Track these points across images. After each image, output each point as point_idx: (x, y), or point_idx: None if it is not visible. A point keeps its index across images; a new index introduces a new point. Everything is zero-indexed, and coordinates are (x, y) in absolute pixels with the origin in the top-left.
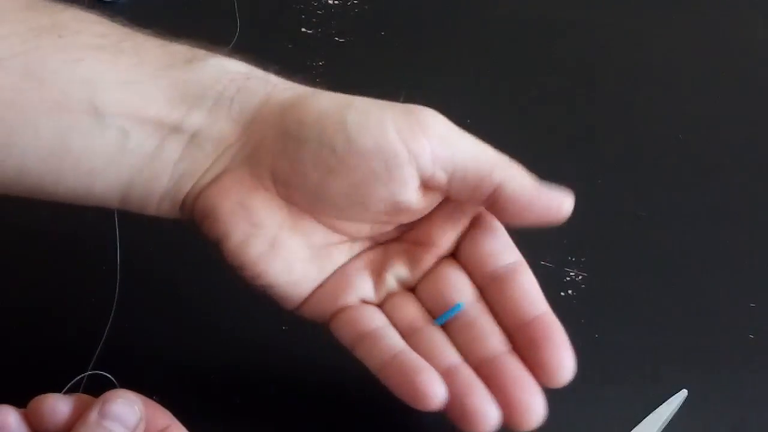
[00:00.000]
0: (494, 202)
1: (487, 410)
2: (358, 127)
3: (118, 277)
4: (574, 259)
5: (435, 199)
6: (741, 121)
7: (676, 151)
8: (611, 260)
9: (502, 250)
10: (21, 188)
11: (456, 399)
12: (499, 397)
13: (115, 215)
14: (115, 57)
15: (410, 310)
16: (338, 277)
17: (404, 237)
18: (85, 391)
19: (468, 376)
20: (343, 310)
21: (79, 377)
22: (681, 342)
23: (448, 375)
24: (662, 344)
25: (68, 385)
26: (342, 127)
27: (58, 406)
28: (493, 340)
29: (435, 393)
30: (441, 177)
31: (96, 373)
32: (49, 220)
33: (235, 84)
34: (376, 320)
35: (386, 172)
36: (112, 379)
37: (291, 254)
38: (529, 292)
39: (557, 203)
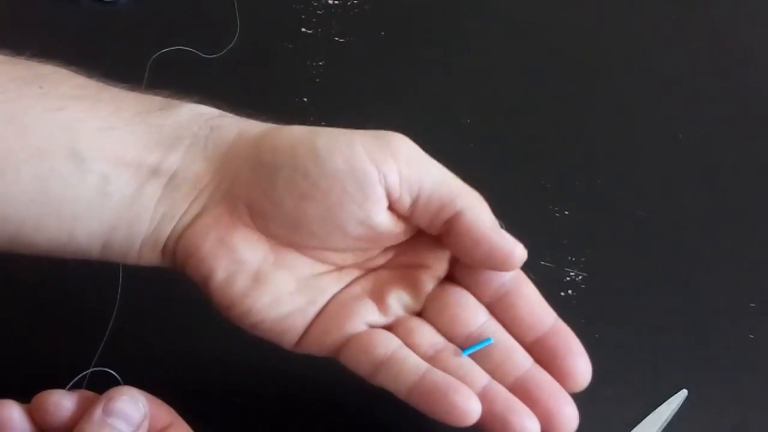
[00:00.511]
0: (450, 230)
1: (531, 425)
2: (328, 149)
3: (121, 274)
4: (574, 259)
5: (409, 224)
6: (741, 121)
7: (676, 151)
8: (611, 260)
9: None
10: (1, 239)
11: (497, 417)
12: (536, 411)
13: None
14: (94, 106)
15: (426, 333)
16: (336, 306)
17: (392, 263)
18: (89, 388)
19: (504, 393)
20: (352, 338)
21: (82, 374)
22: (681, 342)
23: (484, 393)
24: (662, 344)
25: (72, 382)
26: (313, 151)
27: (62, 402)
28: (518, 357)
29: (471, 409)
30: (406, 200)
31: (100, 370)
32: None
33: (208, 124)
34: (392, 343)
35: (359, 192)
36: (116, 375)
37: (277, 287)
38: (538, 305)
39: (508, 250)
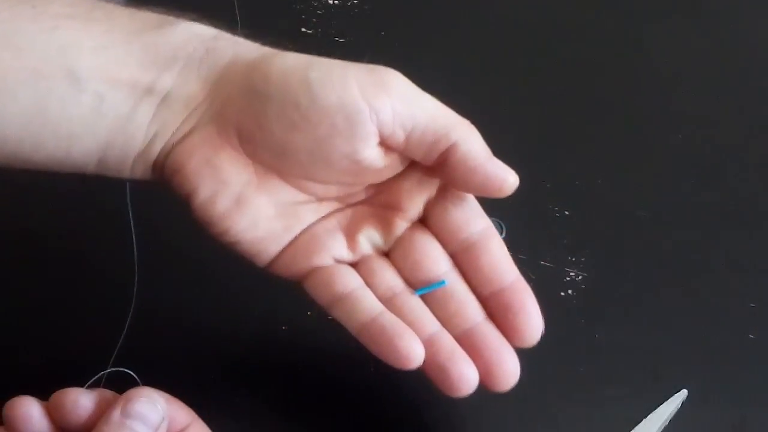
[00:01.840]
0: (444, 162)
1: (469, 374)
2: (321, 83)
3: (136, 273)
4: (574, 259)
5: (396, 160)
6: (741, 121)
7: (676, 151)
8: (611, 260)
9: (471, 218)
10: (1, 156)
11: (438, 365)
12: (478, 362)
13: (131, 215)
14: (88, 24)
15: (387, 275)
16: (309, 236)
17: (373, 200)
18: (107, 388)
19: (449, 343)
20: (318, 269)
21: (100, 374)
22: (681, 342)
23: (430, 342)
24: (662, 344)
25: (90, 381)
26: (305, 83)
27: (81, 400)
28: (471, 309)
29: (415, 354)
30: (399, 135)
31: (118, 370)
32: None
33: (204, 45)
34: (352, 281)
35: (348, 128)
36: (134, 375)
37: (257, 211)
38: (501, 261)
39: (502, 176)
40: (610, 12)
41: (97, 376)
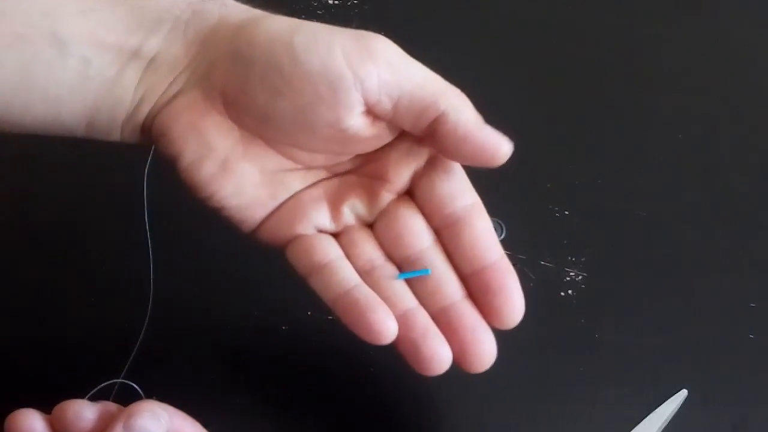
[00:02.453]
0: (434, 131)
1: (442, 353)
2: (305, 49)
3: (152, 287)
4: (574, 259)
5: (384, 130)
6: (741, 121)
7: (676, 151)
8: (611, 260)
9: (459, 192)
10: None
11: (411, 341)
12: (453, 342)
13: (149, 246)
14: None
15: (367, 247)
16: (294, 204)
17: (360, 170)
18: (114, 400)
19: (424, 320)
20: (299, 237)
21: (101, 385)
22: (681, 342)
23: (404, 318)
24: (662, 344)
25: (91, 393)
26: (289, 49)
27: (83, 412)
28: (450, 288)
29: (387, 329)
30: (386, 104)
31: (122, 382)
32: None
33: (190, 8)
34: (332, 252)
35: (331, 95)
36: (137, 388)
37: (242, 177)
38: (484, 238)
39: (495, 144)
40: (610, 12)
41: (98, 388)
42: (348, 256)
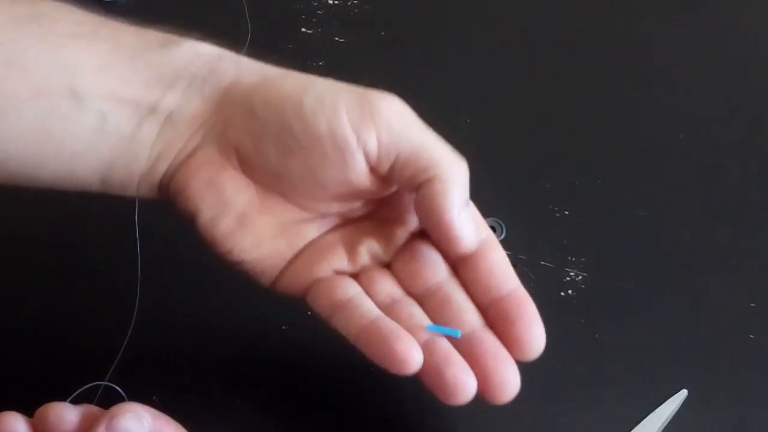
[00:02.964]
0: (418, 192)
1: (466, 381)
2: (313, 111)
3: (139, 289)
4: (574, 259)
5: (390, 182)
6: (741, 121)
7: (676, 151)
8: (611, 260)
9: None
10: (3, 174)
11: (434, 370)
12: (475, 371)
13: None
14: (93, 43)
15: (386, 284)
16: (311, 251)
17: (374, 215)
18: (96, 404)
19: (446, 348)
20: (318, 281)
21: (84, 387)
22: (681, 342)
23: (425, 346)
24: (662, 344)
25: (74, 395)
26: (299, 110)
27: (65, 414)
28: (469, 316)
29: (412, 358)
30: (384, 165)
31: (107, 385)
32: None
33: (207, 66)
34: (351, 289)
35: (338, 156)
36: (120, 391)
37: (260, 230)
38: (500, 269)
39: (457, 233)
40: (611, 12)
41: (80, 390)
42: (368, 293)
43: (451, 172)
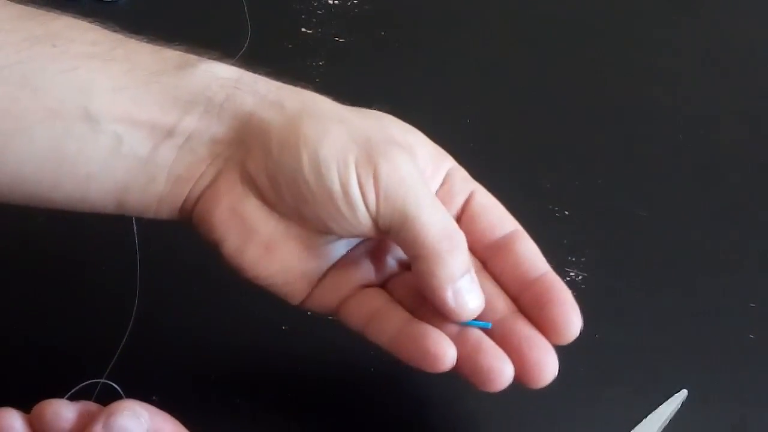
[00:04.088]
0: (411, 265)
1: (500, 367)
2: (327, 167)
3: (138, 287)
4: (574, 259)
5: None
6: (741, 121)
7: (676, 151)
8: (611, 260)
9: (499, 222)
10: (18, 195)
11: (468, 360)
12: (510, 356)
13: (136, 237)
14: (108, 64)
15: (414, 286)
16: (338, 269)
17: None
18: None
19: (477, 337)
20: (347, 299)
21: (82, 384)
22: (681, 342)
23: (457, 339)
24: (662, 344)
25: (71, 391)
26: (315, 165)
27: (63, 411)
28: (499, 303)
29: (446, 355)
30: (384, 226)
31: (105, 383)
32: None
33: (224, 91)
34: (379, 299)
35: (349, 212)
36: (117, 388)
37: (287, 256)
38: (529, 255)
39: (453, 310)
40: (611, 12)
41: (78, 387)
42: (397, 298)
43: (439, 251)
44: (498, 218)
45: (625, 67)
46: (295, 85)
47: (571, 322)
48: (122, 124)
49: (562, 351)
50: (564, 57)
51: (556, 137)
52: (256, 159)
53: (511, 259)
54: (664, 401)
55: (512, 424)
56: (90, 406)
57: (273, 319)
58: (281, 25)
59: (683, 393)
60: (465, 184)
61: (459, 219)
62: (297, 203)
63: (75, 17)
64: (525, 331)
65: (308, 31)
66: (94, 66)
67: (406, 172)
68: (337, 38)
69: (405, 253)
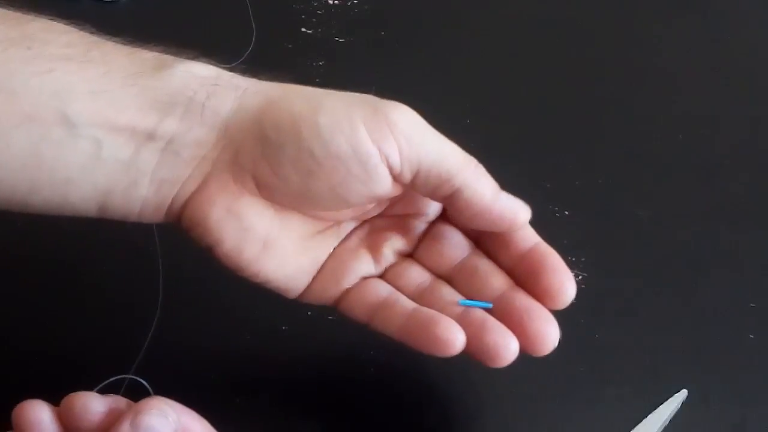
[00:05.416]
0: (451, 204)
1: (506, 343)
2: (331, 131)
3: (161, 287)
4: (574, 259)
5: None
6: (741, 121)
7: (676, 151)
8: (611, 260)
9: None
10: None
11: (474, 339)
12: (512, 329)
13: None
14: (84, 67)
15: (414, 274)
16: (335, 261)
17: (389, 210)
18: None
19: (480, 316)
20: (348, 291)
21: (109, 380)
22: (681, 342)
23: (462, 320)
24: (662, 344)
25: (99, 386)
26: (316, 131)
27: (92, 404)
28: (497, 280)
29: (455, 339)
30: (406, 176)
31: (132, 379)
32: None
33: (204, 89)
34: (382, 290)
35: (363, 173)
36: (145, 384)
37: (283, 251)
38: (520, 230)
39: (511, 214)
40: (611, 12)
41: (106, 382)
42: (398, 288)
43: (474, 175)
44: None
45: (625, 67)
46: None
47: (565, 287)
48: (101, 129)
49: (563, 351)
50: (564, 57)
51: (556, 137)
52: (250, 151)
53: (502, 234)
54: (664, 401)
55: (512, 424)
56: (119, 401)
57: (273, 319)
58: (281, 25)
59: (683, 393)
60: None
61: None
62: (305, 179)
63: (51, 19)
64: (524, 303)
65: (308, 31)
66: (70, 69)
67: (417, 116)
68: (337, 38)
69: (438, 192)
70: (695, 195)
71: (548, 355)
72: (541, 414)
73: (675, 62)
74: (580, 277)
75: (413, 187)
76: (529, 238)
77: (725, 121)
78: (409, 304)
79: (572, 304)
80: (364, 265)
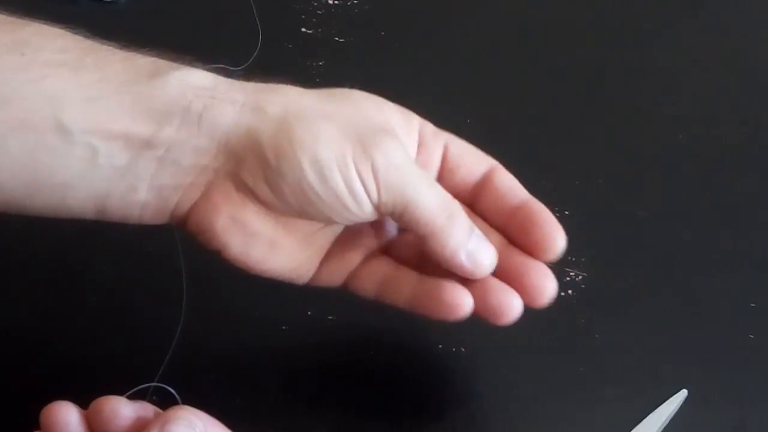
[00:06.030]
0: (421, 243)
1: (509, 301)
2: (330, 168)
3: (184, 285)
4: (574, 259)
5: None
6: (741, 121)
7: (676, 151)
8: (611, 260)
9: (476, 164)
10: None
11: (479, 300)
12: (513, 285)
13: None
14: (78, 73)
15: (415, 244)
16: (341, 243)
17: None
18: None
19: (482, 278)
20: (354, 272)
21: (140, 387)
22: (681, 342)
23: (466, 283)
24: (662, 344)
25: (129, 392)
26: (318, 168)
27: (121, 409)
28: (491, 238)
29: (462, 302)
30: (385, 213)
31: (159, 386)
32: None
33: (200, 101)
34: (385, 267)
35: (355, 207)
36: (174, 392)
37: (290, 248)
38: (508, 187)
39: (470, 269)
40: (610, 12)
41: (137, 388)
42: (402, 260)
43: (443, 225)
44: (475, 161)
45: (625, 67)
46: (295, 85)
47: (556, 238)
48: (96, 136)
49: (563, 351)
50: (564, 57)
51: (556, 137)
52: (251, 169)
53: (493, 194)
54: (664, 401)
55: (512, 423)
56: (147, 407)
57: (273, 319)
58: (281, 25)
59: (683, 393)
60: (437, 139)
61: (441, 172)
62: (302, 205)
63: (45, 23)
64: (520, 259)
65: (308, 31)
66: (65, 75)
67: (400, 160)
68: (337, 38)
69: (412, 233)
70: (695, 195)
71: (548, 355)
72: (541, 414)
73: (675, 62)
74: (580, 277)
75: (392, 219)
76: (519, 194)
77: (725, 121)
78: (413, 275)
79: (572, 304)
80: (366, 242)
